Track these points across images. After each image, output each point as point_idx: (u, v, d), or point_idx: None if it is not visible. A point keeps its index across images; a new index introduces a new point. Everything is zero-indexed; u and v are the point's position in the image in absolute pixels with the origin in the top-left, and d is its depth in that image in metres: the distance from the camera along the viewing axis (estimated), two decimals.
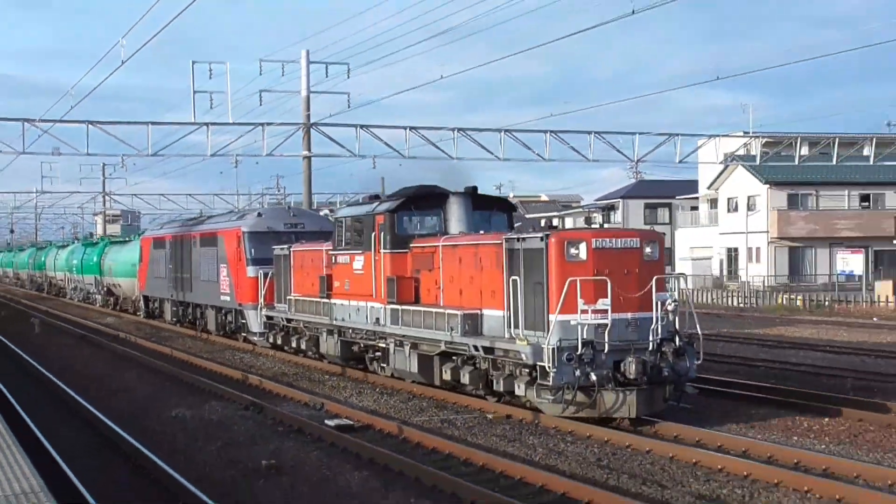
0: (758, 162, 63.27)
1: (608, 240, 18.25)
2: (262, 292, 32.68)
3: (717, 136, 56.10)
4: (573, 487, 14.34)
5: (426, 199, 24.25)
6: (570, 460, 16.68)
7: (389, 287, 23.11)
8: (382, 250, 23.66)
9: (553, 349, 17.04)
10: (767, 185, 76.20)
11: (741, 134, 63.68)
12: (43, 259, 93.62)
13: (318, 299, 27.88)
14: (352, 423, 20.27)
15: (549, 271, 18.01)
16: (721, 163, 69.68)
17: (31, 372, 31.23)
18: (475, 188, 24.47)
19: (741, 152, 68.22)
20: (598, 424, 18.64)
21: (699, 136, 54.63)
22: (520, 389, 18.73)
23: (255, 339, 34.14)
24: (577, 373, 16.92)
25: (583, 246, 17.80)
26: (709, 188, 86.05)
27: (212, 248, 38.95)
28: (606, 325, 17.41)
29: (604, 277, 17.45)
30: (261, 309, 32.77)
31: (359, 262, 25.12)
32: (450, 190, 24.21)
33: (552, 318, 17.56)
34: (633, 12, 31.40)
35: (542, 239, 18.38)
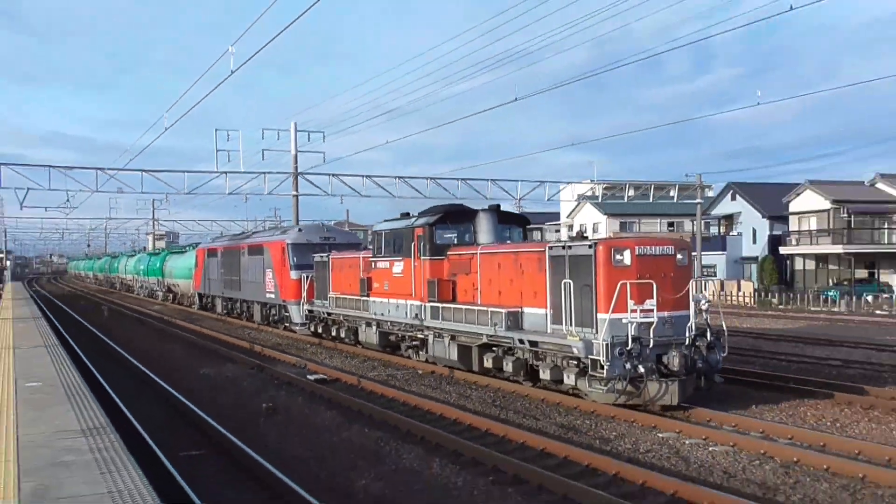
0: (600, 200, 64.48)
1: (648, 247, 15.57)
2: (304, 291, 29.10)
3: (573, 182, 57.33)
4: (476, 420, 14.45)
5: (459, 215, 21.16)
6: (475, 401, 16.77)
7: (430, 288, 19.97)
8: (422, 257, 20.48)
9: (606, 344, 14.40)
10: (606, 216, 76.92)
11: (589, 181, 64.83)
12: (116, 265, 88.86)
13: (358, 297, 24.30)
14: (325, 377, 20.18)
15: (597, 275, 15.10)
16: (575, 200, 71.05)
17: (100, 342, 30.60)
18: (498, 206, 21.82)
19: (589, 193, 69.34)
20: (483, 375, 18.80)
21: (561, 183, 55.10)
22: (569, 379, 15.72)
23: (297, 328, 30.54)
24: (628, 366, 14.32)
25: (627, 253, 15.10)
26: (567, 217, 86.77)
27: (259, 257, 35.34)
28: (651, 322, 14.83)
29: (649, 280, 14.91)
30: (303, 304, 29.10)
31: (398, 267, 21.79)
32: (476, 208, 21.62)
33: (603, 316, 14.76)
34: (516, 99, 31.89)
35: (590, 247, 15.52)
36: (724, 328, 16.06)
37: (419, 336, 21.45)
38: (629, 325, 14.54)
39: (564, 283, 15.73)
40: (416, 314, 20.87)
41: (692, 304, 15.47)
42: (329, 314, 27.39)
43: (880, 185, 59.86)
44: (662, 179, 59.41)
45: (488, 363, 18.25)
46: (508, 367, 17.54)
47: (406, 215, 22.68)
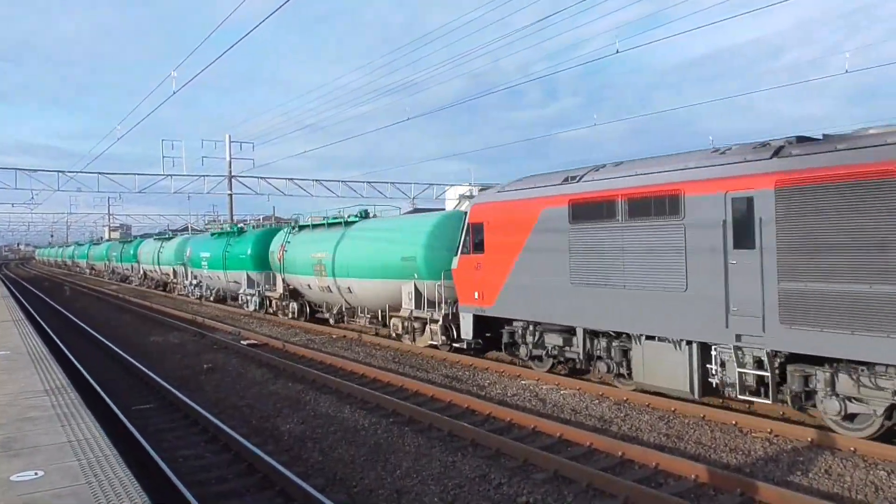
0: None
1: None
2: None
3: (454, 185, 58.15)
4: (379, 374, 14.35)
5: None
6: (378, 359, 16.66)
7: None
8: None
9: None
10: None
11: (468, 184, 65.67)
12: (132, 252, 52.04)
13: None
14: (256, 342, 19.68)
15: None
16: (456, 199, 71.65)
17: (61, 315, 28.91)
18: None
19: (467, 194, 70.17)
20: (387, 339, 18.65)
21: (445, 185, 55.74)
22: None
23: None
24: None
25: None
26: None
27: None
28: None
29: None
30: None
31: None
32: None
33: None
34: (408, 119, 31.74)
35: None
36: None
37: None
38: None
39: None
40: None
41: None
42: None
43: None
44: None
45: None
46: None
47: None
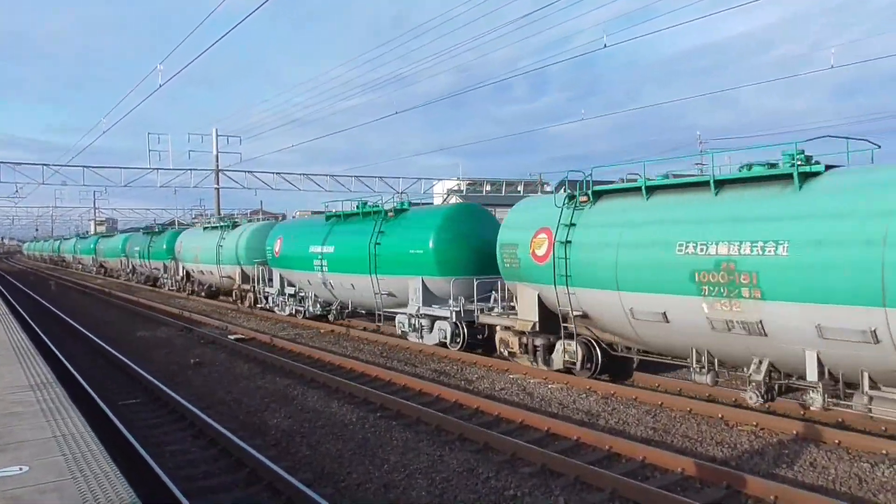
0: (464, 193, 65.38)
1: None
2: None
3: (443, 179, 58.23)
4: (367, 368, 14.34)
5: None
6: (367, 353, 16.63)
7: None
8: None
9: None
10: None
11: (456, 178, 65.52)
12: (165, 245, 38.06)
13: None
14: (244, 337, 19.59)
15: None
16: (445, 194, 71.65)
17: (47, 310, 28.64)
18: None
19: (455, 188, 70.17)
20: (375, 333, 18.60)
21: (433, 179, 55.87)
22: None
23: None
24: None
25: None
26: None
27: None
28: None
29: None
30: None
31: None
32: None
33: None
34: (396, 112, 31.84)
35: None
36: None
37: None
38: None
39: None
40: None
41: None
42: None
43: None
44: (511, 177, 60.96)
45: None
46: None
47: None
